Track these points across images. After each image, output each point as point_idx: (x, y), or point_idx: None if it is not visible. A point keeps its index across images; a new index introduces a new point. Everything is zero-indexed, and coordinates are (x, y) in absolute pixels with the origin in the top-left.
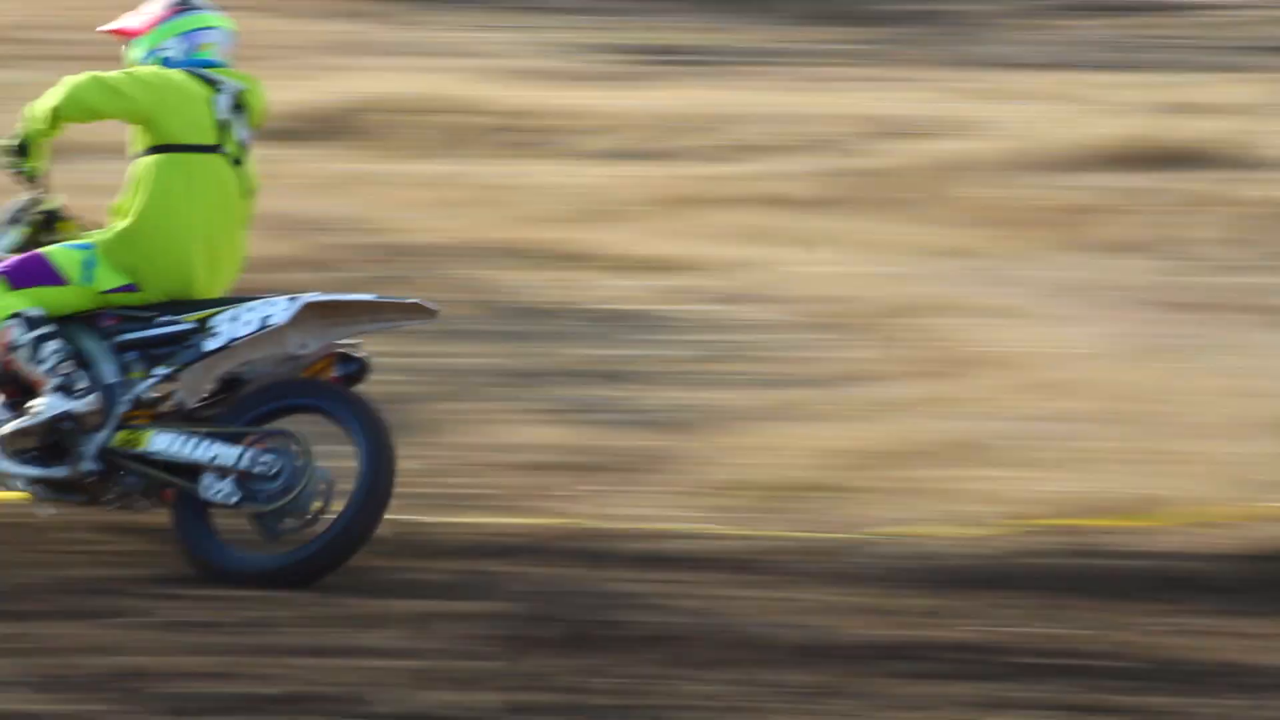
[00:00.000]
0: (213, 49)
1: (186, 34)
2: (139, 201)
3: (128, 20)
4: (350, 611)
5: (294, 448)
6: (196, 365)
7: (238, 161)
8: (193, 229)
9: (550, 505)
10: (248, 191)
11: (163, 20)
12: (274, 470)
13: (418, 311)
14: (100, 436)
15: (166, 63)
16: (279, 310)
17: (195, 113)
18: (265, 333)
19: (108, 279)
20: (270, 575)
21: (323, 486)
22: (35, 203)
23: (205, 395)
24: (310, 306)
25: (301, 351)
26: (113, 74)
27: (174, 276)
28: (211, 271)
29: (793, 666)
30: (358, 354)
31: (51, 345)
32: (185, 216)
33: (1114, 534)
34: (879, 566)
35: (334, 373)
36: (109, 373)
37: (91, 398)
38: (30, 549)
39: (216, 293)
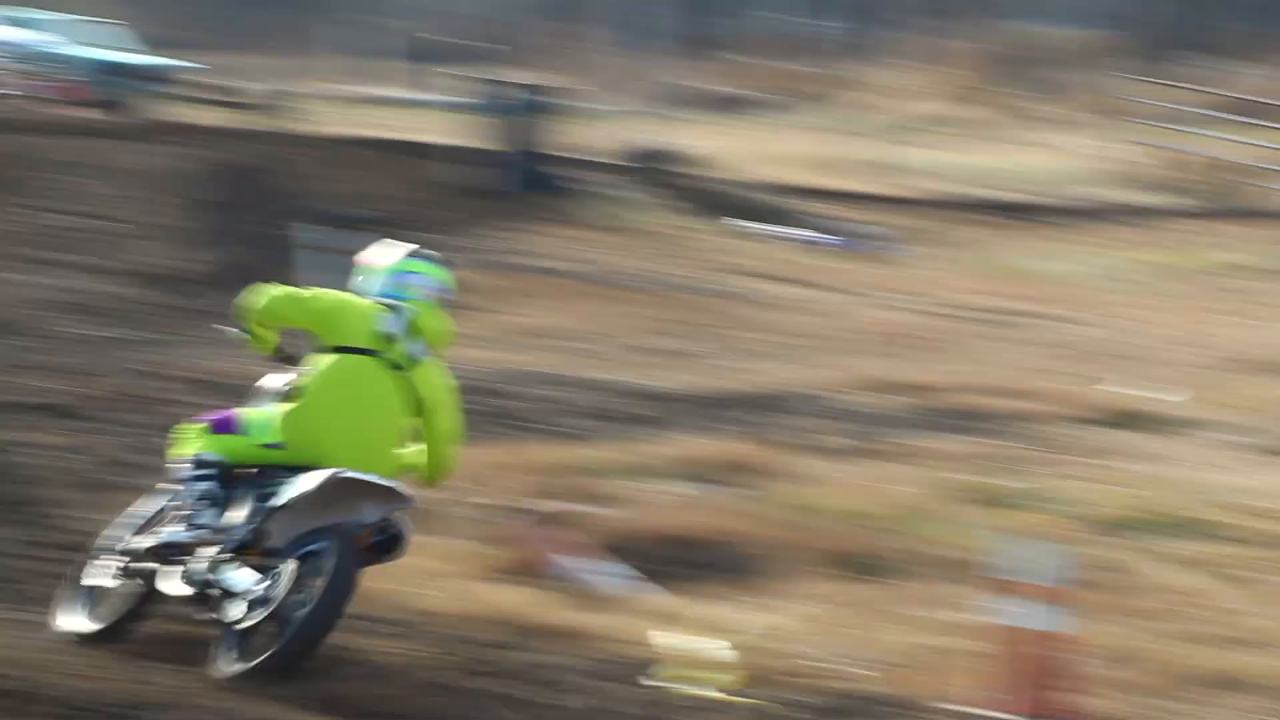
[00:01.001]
0: (413, 290)
1: (398, 274)
2: (308, 383)
3: (375, 253)
4: None
5: (284, 581)
6: (276, 517)
7: (398, 367)
8: (336, 411)
9: None
10: (412, 398)
11: (390, 263)
12: (266, 595)
13: (399, 499)
14: (193, 565)
15: (385, 294)
16: (312, 480)
17: (358, 324)
18: (313, 494)
19: (266, 436)
20: (243, 676)
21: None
22: (287, 378)
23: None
24: (340, 480)
25: (368, 518)
26: (301, 290)
27: (311, 447)
28: (349, 452)
29: None
30: (395, 528)
31: (199, 486)
32: (333, 401)
33: None
34: None
35: (371, 537)
36: (235, 516)
37: (196, 532)
38: None
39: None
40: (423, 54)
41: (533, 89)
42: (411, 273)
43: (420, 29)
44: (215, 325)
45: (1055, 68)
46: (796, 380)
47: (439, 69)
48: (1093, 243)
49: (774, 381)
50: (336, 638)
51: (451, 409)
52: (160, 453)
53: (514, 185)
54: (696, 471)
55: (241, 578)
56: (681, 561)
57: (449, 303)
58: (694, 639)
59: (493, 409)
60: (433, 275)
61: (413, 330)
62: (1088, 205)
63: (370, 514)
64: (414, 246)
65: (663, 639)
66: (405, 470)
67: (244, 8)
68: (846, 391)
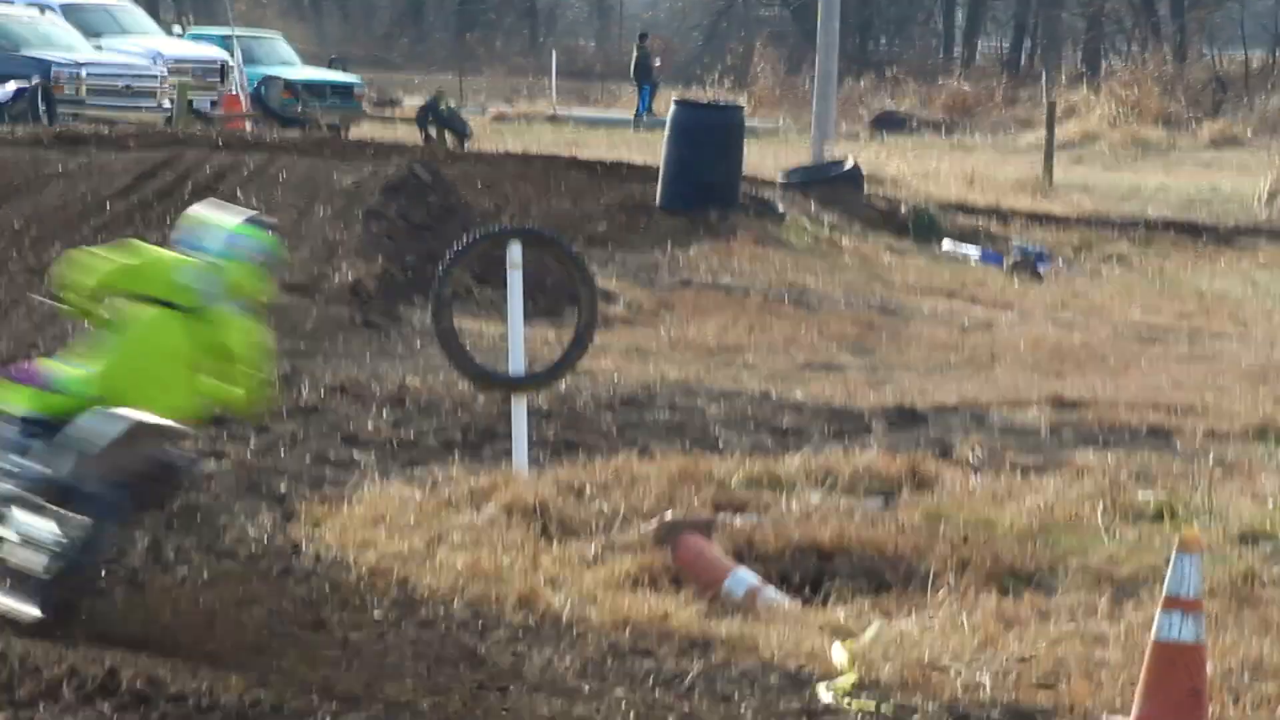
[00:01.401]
0: (240, 250)
1: (232, 235)
2: (118, 335)
3: (210, 210)
4: None
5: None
6: (82, 465)
7: (199, 317)
8: (145, 360)
9: None
10: (216, 344)
11: (227, 223)
12: (69, 545)
13: (184, 436)
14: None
15: (203, 248)
16: (115, 427)
17: (163, 276)
18: (115, 441)
19: (86, 389)
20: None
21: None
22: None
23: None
24: (141, 426)
25: (165, 457)
26: (123, 256)
27: (126, 395)
28: (160, 397)
29: None
30: (183, 463)
31: (24, 441)
32: (142, 351)
33: None
34: None
35: (158, 474)
36: (44, 465)
37: (10, 483)
38: None
39: (162, 410)
40: (580, 71)
41: (703, 106)
42: (244, 235)
43: (579, 47)
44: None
45: (1226, 88)
46: (946, 394)
47: (600, 86)
48: (1259, 262)
49: (922, 395)
50: (460, 638)
51: (253, 354)
52: (335, 463)
53: (684, 202)
54: (833, 482)
55: (47, 527)
56: (814, 570)
57: (272, 266)
58: (840, 647)
59: (636, 420)
60: (261, 240)
61: (230, 286)
62: (1254, 224)
63: (166, 453)
64: (251, 212)
65: (839, 653)
66: (220, 405)
67: (404, 25)
68: (995, 405)
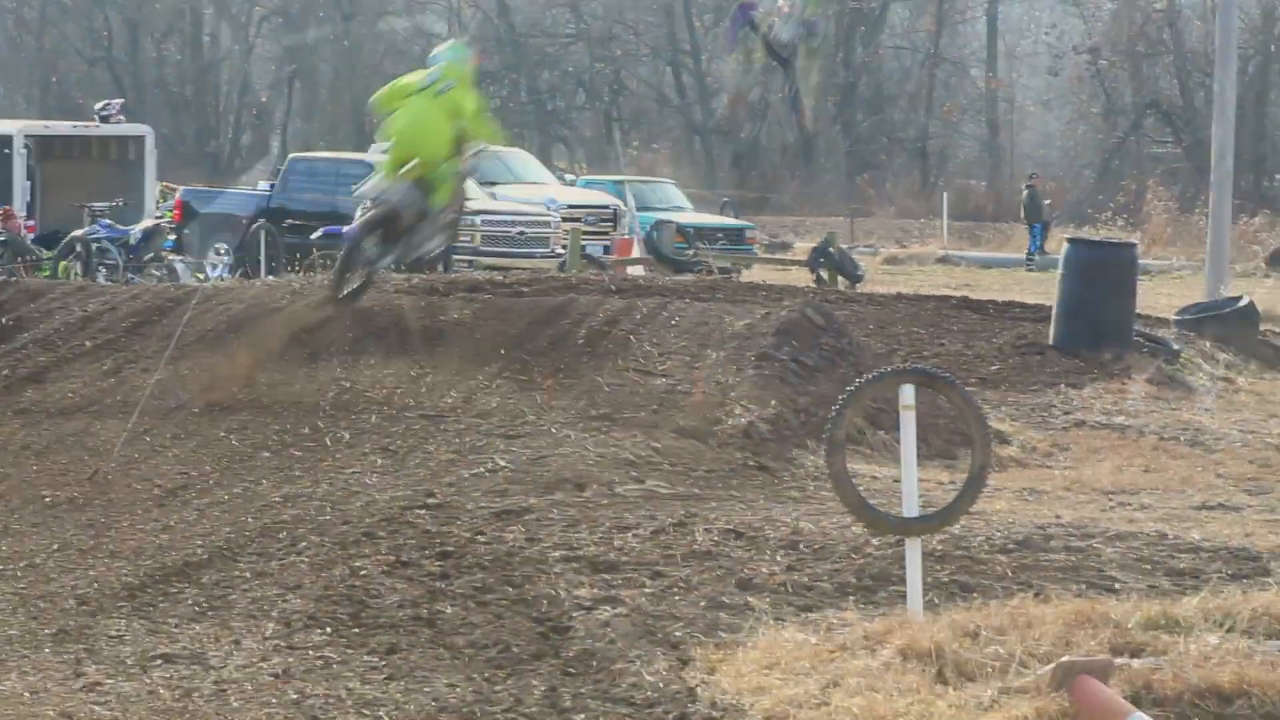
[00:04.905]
0: (439, 59)
1: (435, 55)
2: (398, 115)
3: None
4: None
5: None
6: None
7: (440, 94)
8: (407, 129)
9: None
10: (450, 110)
11: (438, 48)
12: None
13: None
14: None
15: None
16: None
17: (414, 79)
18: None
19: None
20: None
21: None
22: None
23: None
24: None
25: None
26: (396, 84)
27: (404, 151)
28: (417, 143)
29: None
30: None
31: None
32: (406, 121)
33: None
34: None
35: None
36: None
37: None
38: None
39: (428, 154)
40: (971, 212)
41: (1096, 244)
42: (444, 49)
43: (970, 187)
44: None
45: None
46: None
47: (992, 227)
48: None
49: None
50: None
51: (475, 105)
52: (729, 607)
53: (1077, 341)
54: (1231, 624)
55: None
56: (1214, 714)
57: (463, 65)
58: None
59: (1031, 562)
60: (454, 49)
61: (448, 75)
62: None
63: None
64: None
65: None
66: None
67: (795, 168)
68: None
